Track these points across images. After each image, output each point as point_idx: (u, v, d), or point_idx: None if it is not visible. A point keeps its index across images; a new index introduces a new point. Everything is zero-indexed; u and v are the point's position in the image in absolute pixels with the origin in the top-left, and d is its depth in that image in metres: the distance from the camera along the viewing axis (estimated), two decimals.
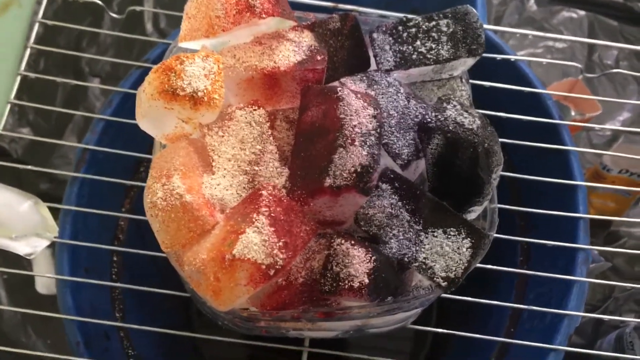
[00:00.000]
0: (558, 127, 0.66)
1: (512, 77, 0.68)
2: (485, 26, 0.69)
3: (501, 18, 1.20)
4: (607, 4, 1.20)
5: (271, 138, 0.45)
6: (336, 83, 0.49)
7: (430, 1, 0.78)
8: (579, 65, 0.66)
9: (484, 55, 0.64)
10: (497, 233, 0.57)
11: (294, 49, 0.47)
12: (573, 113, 0.96)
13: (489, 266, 0.58)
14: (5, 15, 1.18)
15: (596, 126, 0.90)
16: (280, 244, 0.40)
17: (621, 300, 0.96)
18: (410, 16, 0.51)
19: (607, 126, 1.01)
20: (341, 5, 0.66)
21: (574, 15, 1.21)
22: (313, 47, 0.48)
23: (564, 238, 0.63)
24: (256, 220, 0.40)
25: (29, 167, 0.62)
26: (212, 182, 0.44)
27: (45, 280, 0.88)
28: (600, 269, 0.90)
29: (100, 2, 0.68)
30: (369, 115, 0.43)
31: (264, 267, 0.40)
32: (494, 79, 0.65)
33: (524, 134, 0.65)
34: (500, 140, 0.62)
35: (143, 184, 0.62)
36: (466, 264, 0.43)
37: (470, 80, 0.61)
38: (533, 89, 0.66)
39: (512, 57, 0.67)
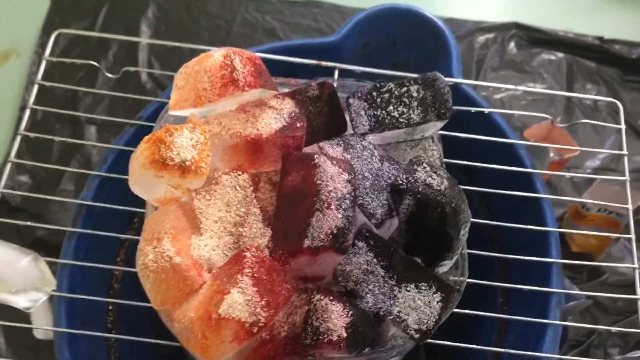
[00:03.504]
0: (531, 176, 0.70)
1: (487, 128, 0.72)
2: (461, 80, 0.73)
3: (483, 61, 1.24)
4: (585, 47, 1.25)
5: (255, 201, 0.49)
6: (315, 147, 0.53)
7: (410, 55, 0.83)
8: (549, 117, 0.69)
9: (459, 108, 0.68)
10: (478, 277, 0.60)
11: (275, 116, 0.51)
12: (552, 154, 0.99)
13: (467, 311, 0.61)
14: (5, 66, 1.23)
15: (566, 174, 0.94)
16: (263, 302, 0.43)
17: (605, 335, 0.98)
18: (383, 82, 0.55)
19: (579, 174, 1.05)
20: (323, 63, 0.70)
21: (553, 57, 1.26)
22: (293, 114, 0.52)
23: (539, 281, 0.66)
24: (240, 280, 0.43)
25: (28, 223, 0.65)
26: (200, 243, 0.47)
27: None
28: (582, 306, 0.93)
29: (95, 64, 0.72)
30: (343, 180, 0.46)
31: (247, 325, 0.43)
32: (469, 129, 0.69)
33: (500, 181, 0.68)
34: (478, 189, 0.67)
35: (138, 237, 0.66)
36: (437, 317, 0.46)
37: (447, 132, 0.65)
38: (506, 140, 0.70)
39: (486, 110, 0.71)
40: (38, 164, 0.70)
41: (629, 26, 1.29)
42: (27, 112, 0.69)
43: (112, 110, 1.15)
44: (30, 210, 1.05)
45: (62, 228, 0.66)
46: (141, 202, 0.75)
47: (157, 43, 0.73)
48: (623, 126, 0.69)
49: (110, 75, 0.73)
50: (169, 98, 0.70)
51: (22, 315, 0.72)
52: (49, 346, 0.91)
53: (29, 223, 0.65)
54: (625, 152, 0.68)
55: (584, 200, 0.84)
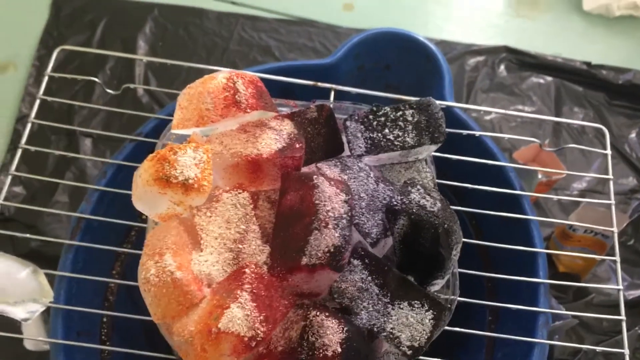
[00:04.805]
0: (519, 197, 0.72)
1: (478, 150, 0.74)
2: (454, 104, 0.75)
3: (474, 83, 1.27)
4: (573, 71, 1.28)
5: (254, 219, 0.50)
6: (313, 167, 0.54)
7: (404, 78, 0.85)
8: (538, 141, 0.72)
9: (451, 130, 0.70)
10: (467, 296, 0.62)
11: (275, 137, 0.53)
12: (540, 176, 1.02)
13: (457, 329, 0.63)
14: (2, 78, 1.24)
15: (554, 197, 0.97)
16: (261, 317, 0.45)
17: (590, 355, 1.00)
18: (379, 106, 0.57)
19: (566, 197, 1.08)
20: (320, 84, 0.72)
21: (542, 81, 1.29)
22: (293, 135, 0.53)
23: (527, 301, 0.68)
24: (239, 296, 0.45)
25: (27, 235, 0.66)
26: (200, 258, 0.49)
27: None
28: (568, 326, 0.95)
29: (97, 80, 0.74)
30: (341, 200, 0.48)
31: (246, 339, 0.44)
32: (460, 151, 0.71)
33: (490, 202, 0.70)
34: (468, 209, 0.69)
35: (134, 251, 0.67)
36: (429, 334, 0.48)
37: (439, 154, 0.67)
38: (495, 162, 0.72)
39: (477, 133, 0.73)
40: (34, 176, 0.71)
41: (616, 52, 1.33)
42: (29, 126, 0.70)
43: (108, 123, 1.17)
44: (23, 221, 1.05)
45: (60, 241, 0.67)
46: (138, 216, 0.76)
47: (156, 61, 0.75)
48: (609, 151, 0.72)
49: (110, 91, 0.75)
50: (168, 115, 0.72)
51: (10, 324, 0.73)
52: (37, 356, 0.92)
53: (27, 235, 0.66)
54: (610, 176, 0.70)
55: (570, 222, 0.86)
